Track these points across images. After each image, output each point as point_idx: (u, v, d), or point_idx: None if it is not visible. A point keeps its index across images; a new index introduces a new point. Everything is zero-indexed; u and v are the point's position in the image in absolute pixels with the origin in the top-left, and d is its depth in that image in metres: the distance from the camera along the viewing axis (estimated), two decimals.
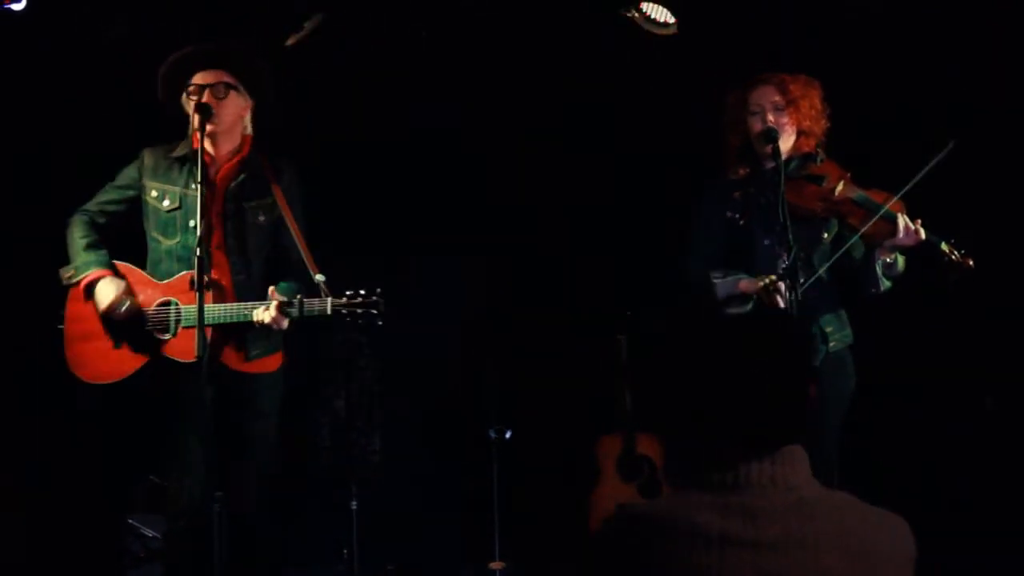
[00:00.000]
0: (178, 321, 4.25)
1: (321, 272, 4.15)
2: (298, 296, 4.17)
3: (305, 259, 4.20)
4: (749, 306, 4.28)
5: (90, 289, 4.30)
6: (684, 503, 2.04)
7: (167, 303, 4.28)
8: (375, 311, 4.16)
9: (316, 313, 4.16)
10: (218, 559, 3.92)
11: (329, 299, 4.14)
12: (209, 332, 4.13)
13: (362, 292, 4.16)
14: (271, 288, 4.21)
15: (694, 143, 4.84)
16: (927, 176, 4.16)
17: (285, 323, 4.18)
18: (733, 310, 4.32)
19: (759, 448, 2.07)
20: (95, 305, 4.29)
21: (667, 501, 2.10)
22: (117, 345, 4.30)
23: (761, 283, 4.22)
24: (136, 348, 4.29)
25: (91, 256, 4.33)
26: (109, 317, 4.26)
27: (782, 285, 4.15)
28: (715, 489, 2.05)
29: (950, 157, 4.19)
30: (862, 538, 2.02)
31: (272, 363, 4.41)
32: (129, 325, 4.27)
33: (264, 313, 4.16)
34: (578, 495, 5.41)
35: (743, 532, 1.99)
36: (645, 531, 2.02)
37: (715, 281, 4.35)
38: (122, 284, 4.29)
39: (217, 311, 4.19)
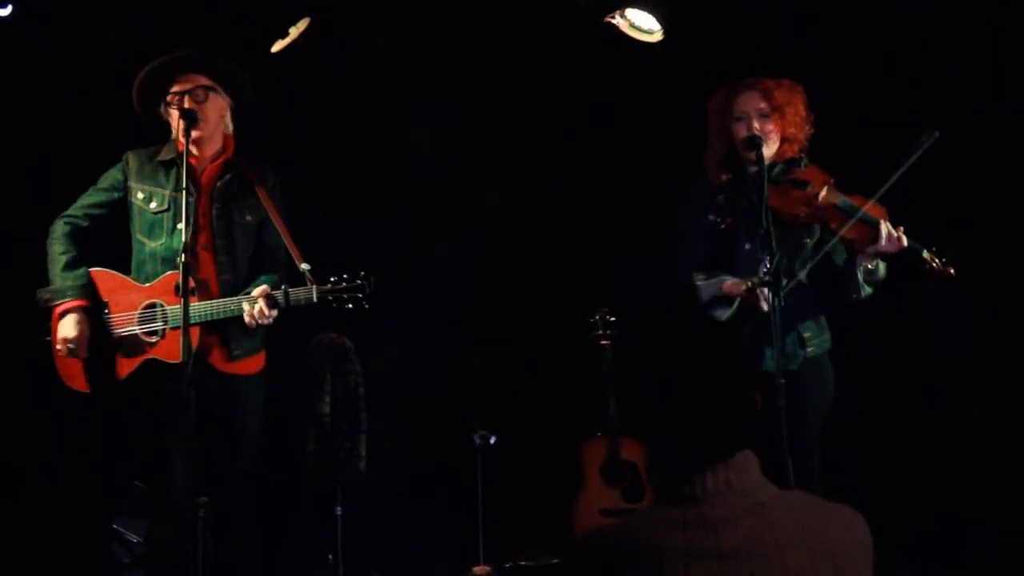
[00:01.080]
0: (165, 322, 4.27)
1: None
2: (283, 286, 4.20)
3: (291, 250, 4.23)
4: (734, 308, 4.29)
5: (62, 315, 4.34)
6: (646, 522, 2.06)
7: (153, 305, 4.30)
8: (360, 294, 4.18)
9: (302, 301, 4.19)
10: (202, 563, 3.93)
11: (314, 287, 4.16)
12: (197, 334, 4.16)
13: (346, 276, 4.18)
14: (261, 288, 4.23)
15: (682, 146, 4.85)
16: (911, 170, 4.16)
17: (274, 313, 4.20)
18: (717, 312, 4.33)
19: (710, 457, 2.09)
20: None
21: (629, 522, 2.10)
22: (106, 354, 4.32)
23: (744, 285, 4.24)
24: (125, 354, 4.33)
25: (68, 280, 4.36)
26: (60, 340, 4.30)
27: (766, 288, 4.16)
28: (674, 504, 2.07)
29: (936, 161, 4.20)
30: (823, 535, 2.04)
31: (255, 364, 4.44)
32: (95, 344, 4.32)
33: (252, 307, 4.18)
34: (562, 500, 5.42)
35: (706, 543, 2.00)
36: (609, 556, 2.03)
37: (698, 284, 4.36)
38: (82, 327, 4.31)
39: (205, 309, 4.22)
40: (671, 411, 2.12)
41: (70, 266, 4.38)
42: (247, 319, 4.20)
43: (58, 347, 4.31)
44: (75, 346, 4.30)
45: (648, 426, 2.16)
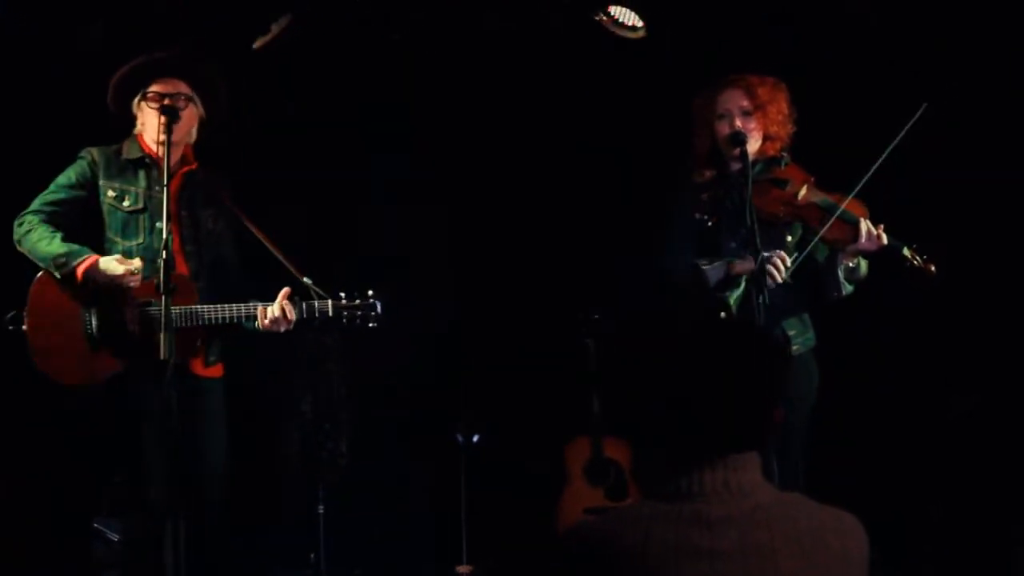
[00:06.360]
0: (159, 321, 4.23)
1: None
2: (295, 297, 4.24)
3: (285, 263, 4.23)
4: (742, 288, 4.26)
5: (88, 273, 4.18)
6: (639, 515, 2.04)
7: (148, 304, 4.26)
8: (372, 313, 4.30)
9: (316, 314, 4.26)
10: (178, 566, 3.92)
11: (330, 301, 4.25)
12: (197, 335, 4.21)
13: (357, 294, 4.29)
14: (285, 290, 4.24)
15: (661, 143, 4.85)
16: (891, 165, 4.14)
17: (294, 318, 4.23)
18: (726, 294, 4.30)
19: (712, 454, 2.07)
20: (102, 279, 4.17)
21: (621, 514, 2.08)
22: (94, 349, 4.25)
23: (754, 262, 4.19)
24: (113, 352, 4.26)
25: (76, 245, 4.24)
26: (120, 285, 4.19)
27: (777, 260, 4.14)
28: (670, 498, 2.05)
29: (917, 157, 4.18)
30: (818, 539, 2.02)
31: (220, 370, 4.45)
32: (116, 316, 4.24)
33: (276, 310, 4.20)
34: (546, 499, 5.41)
35: (700, 541, 1.99)
36: (600, 547, 2.01)
37: (704, 268, 4.31)
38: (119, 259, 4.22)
39: (218, 312, 4.22)
40: (690, 403, 2.08)
41: (67, 241, 4.26)
42: (266, 322, 4.20)
43: (120, 276, 4.16)
44: (135, 268, 4.18)
45: (654, 416, 2.13)
